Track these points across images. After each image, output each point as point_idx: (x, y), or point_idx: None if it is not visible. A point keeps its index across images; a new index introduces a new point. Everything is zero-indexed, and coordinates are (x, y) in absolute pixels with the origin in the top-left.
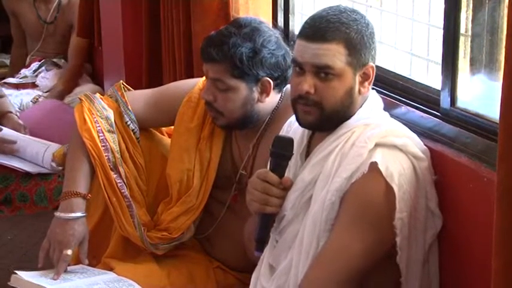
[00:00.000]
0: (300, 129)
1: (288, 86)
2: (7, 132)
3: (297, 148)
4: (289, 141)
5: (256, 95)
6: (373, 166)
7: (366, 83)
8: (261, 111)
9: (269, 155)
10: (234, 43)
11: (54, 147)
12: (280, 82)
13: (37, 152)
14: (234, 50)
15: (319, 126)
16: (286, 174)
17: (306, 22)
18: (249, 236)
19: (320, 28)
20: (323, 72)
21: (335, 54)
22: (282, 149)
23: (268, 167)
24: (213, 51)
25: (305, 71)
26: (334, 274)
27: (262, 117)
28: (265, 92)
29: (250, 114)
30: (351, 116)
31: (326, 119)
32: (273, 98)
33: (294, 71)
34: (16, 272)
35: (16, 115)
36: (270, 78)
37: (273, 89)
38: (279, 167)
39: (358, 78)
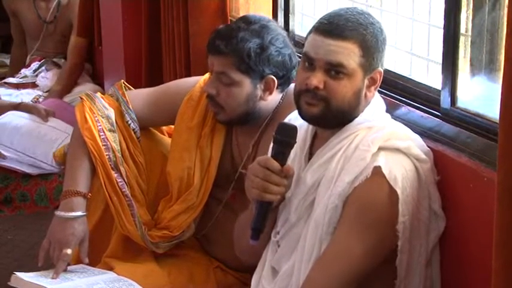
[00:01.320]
0: (302, 130)
1: (290, 86)
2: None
3: (300, 150)
4: (293, 129)
5: (259, 92)
6: (377, 170)
7: (372, 88)
8: (262, 109)
9: (272, 141)
10: (242, 37)
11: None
12: (283, 82)
13: (45, 153)
14: (242, 44)
15: (321, 121)
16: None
17: (323, 18)
18: (239, 232)
19: (339, 25)
20: (334, 70)
21: (350, 54)
22: (286, 136)
23: (270, 153)
24: (221, 43)
25: (315, 67)
26: (336, 276)
27: (263, 115)
28: (268, 90)
29: (252, 111)
30: (354, 118)
31: (330, 115)
32: (275, 97)
33: (302, 65)
34: (16, 273)
35: None
36: (274, 76)
37: (276, 88)
38: (281, 155)
39: (366, 82)
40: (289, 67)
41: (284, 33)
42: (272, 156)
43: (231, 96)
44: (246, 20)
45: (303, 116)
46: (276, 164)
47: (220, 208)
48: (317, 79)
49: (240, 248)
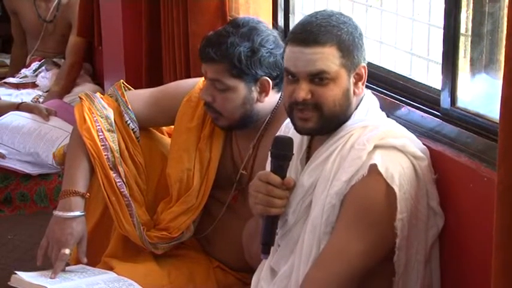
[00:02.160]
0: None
1: None
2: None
3: (297, 153)
4: (289, 141)
5: (255, 94)
6: (373, 168)
7: (360, 84)
8: (260, 111)
9: (269, 156)
10: (232, 42)
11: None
12: (279, 81)
13: (46, 152)
14: (232, 49)
15: (319, 131)
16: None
17: (295, 28)
18: (248, 239)
19: (312, 32)
20: (318, 77)
21: (329, 58)
22: (283, 150)
23: (269, 168)
24: (211, 51)
25: (298, 79)
26: (335, 275)
27: (262, 117)
28: (264, 91)
29: (250, 114)
30: (348, 118)
31: (325, 122)
32: (273, 98)
33: (286, 79)
34: (16, 272)
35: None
36: (268, 77)
37: (272, 88)
38: (280, 168)
39: (352, 80)
40: (282, 66)
41: (275, 33)
42: (272, 170)
43: (227, 102)
44: (235, 24)
45: (299, 131)
46: (277, 178)
47: (223, 210)
48: (303, 91)
49: (250, 254)
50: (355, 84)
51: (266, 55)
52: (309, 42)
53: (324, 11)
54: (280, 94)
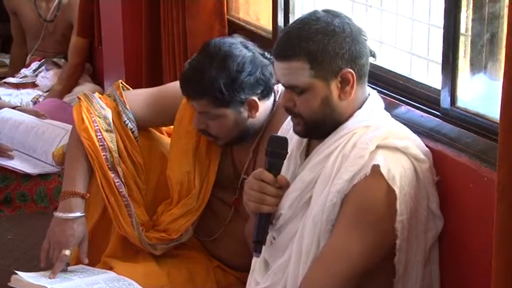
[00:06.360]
0: None
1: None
2: (15, 116)
3: (297, 146)
4: (284, 140)
5: (245, 114)
6: (375, 169)
7: (348, 88)
8: (255, 123)
9: (264, 154)
10: (209, 76)
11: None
12: (266, 93)
13: (45, 152)
14: (211, 83)
15: (310, 134)
16: (284, 173)
17: (277, 39)
18: (249, 237)
19: (282, 46)
20: (293, 89)
21: (297, 72)
22: (277, 148)
23: (264, 167)
24: (192, 90)
25: (284, 88)
26: (334, 275)
27: (259, 125)
28: (253, 109)
29: (245, 129)
30: (345, 119)
31: (312, 128)
32: (265, 106)
33: None
34: (16, 272)
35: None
36: (254, 96)
37: (261, 100)
38: (274, 166)
39: (335, 86)
40: (265, 80)
41: (249, 53)
42: (266, 168)
43: (220, 127)
44: (208, 53)
45: (295, 133)
46: (270, 176)
47: (231, 213)
48: (285, 99)
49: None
50: (342, 89)
51: (246, 79)
52: (280, 58)
53: (301, 19)
54: (274, 97)
